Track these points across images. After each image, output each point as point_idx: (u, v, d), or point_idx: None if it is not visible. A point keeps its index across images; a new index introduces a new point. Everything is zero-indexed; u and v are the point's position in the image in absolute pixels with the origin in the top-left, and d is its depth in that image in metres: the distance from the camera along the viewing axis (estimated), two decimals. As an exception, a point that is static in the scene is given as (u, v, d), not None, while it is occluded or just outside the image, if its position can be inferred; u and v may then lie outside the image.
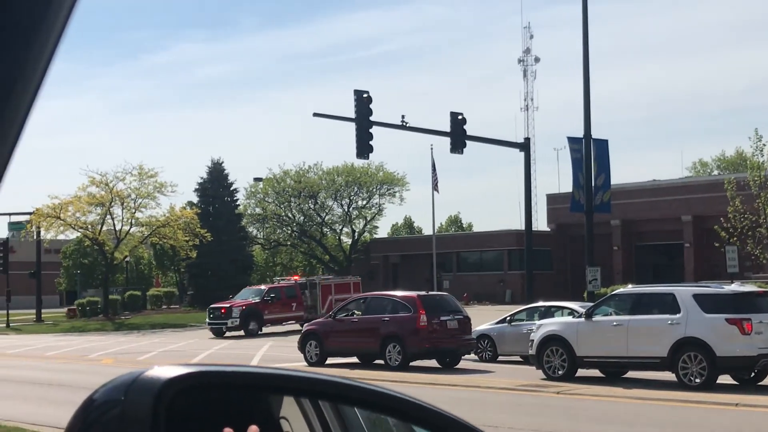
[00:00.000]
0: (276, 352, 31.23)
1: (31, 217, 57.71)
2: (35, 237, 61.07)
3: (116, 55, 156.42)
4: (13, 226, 67.32)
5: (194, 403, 1.86)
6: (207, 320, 44.24)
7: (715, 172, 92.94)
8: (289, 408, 2.27)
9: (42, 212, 55.98)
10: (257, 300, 43.82)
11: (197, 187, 77.37)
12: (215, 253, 68.84)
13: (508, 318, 28.09)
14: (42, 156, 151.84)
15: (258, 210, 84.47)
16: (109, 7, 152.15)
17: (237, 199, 79.77)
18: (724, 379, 20.03)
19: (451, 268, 75.99)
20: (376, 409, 2.36)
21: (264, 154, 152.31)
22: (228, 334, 42.41)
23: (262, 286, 48.20)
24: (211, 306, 44.71)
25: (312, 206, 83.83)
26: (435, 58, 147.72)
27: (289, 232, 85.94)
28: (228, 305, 43.26)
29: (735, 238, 40.46)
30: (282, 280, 51.71)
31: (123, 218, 58.92)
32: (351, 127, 37.37)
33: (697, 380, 19.41)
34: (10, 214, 66.37)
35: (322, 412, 2.34)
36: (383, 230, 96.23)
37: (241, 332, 42.20)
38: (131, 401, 1.74)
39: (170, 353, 31.87)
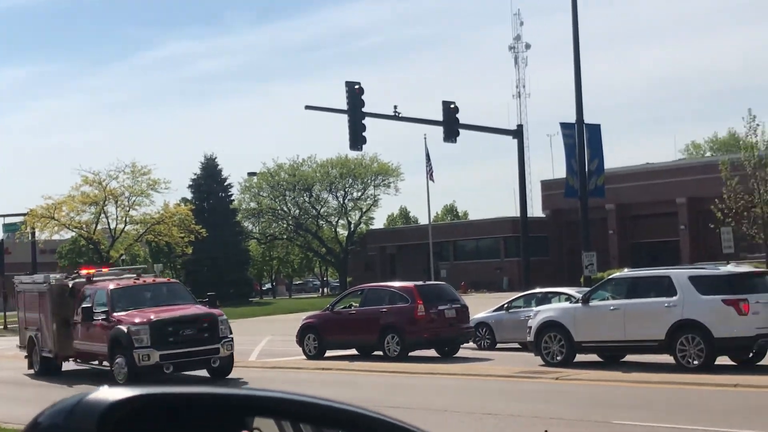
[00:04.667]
0: (273, 347, 31.25)
1: (25, 218, 57.61)
2: (30, 238, 60.95)
3: (108, 54, 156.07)
4: (8, 228, 67.12)
5: (150, 422, 1.78)
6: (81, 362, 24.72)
7: (708, 154, 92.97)
8: (262, 420, 2.19)
9: (36, 213, 55.87)
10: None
11: (191, 183, 77.43)
12: (211, 248, 68.75)
13: (506, 305, 28.12)
14: (35, 156, 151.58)
15: (253, 204, 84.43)
16: (101, 6, 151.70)
17: (231, 194, 79.82)
18: (722, 360, 20.07)
19: (448, 257, 76.03)
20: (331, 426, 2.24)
21: (257, 149, 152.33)
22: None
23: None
24: (92, 313, 22.83)
25: (307, 199, 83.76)
26: (426, 47, 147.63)
27: (284, 225, 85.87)
28: (139, 318, 21.87)
29: (730, 219, 40.49)
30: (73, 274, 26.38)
31: (117, 216, 58.79)
32: (344, 119, 37.31)
33: (696, 362, 19.44)
34: (4, 216, 66.23)
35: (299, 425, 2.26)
36: (379, 221, 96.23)
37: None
38: (72, 427, 1.65)
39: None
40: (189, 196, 76.05)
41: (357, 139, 37.00)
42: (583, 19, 35.46)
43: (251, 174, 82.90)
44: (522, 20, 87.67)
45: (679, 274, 20.57)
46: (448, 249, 76.28)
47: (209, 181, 76.80)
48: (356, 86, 36.75)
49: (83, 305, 22.66)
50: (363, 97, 36.77)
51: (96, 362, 23.76)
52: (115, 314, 22.18)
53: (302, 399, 2.07)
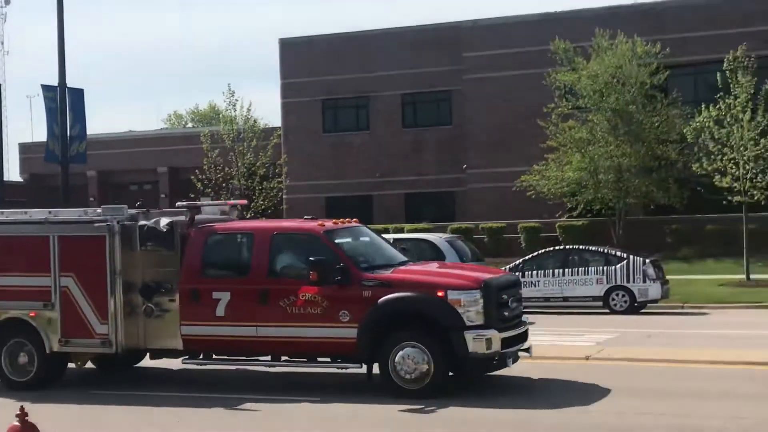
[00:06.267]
0: None
1: None
2: None
3: None
4: None
5: None
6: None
7: (190, 125, 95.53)
8: None
9: None
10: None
11: None
12: None
13: None
14: None
15: None
16: None
17: None
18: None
19: None
20: None
21: None
22: None
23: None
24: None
25: None
26: None
27: None
28: (453, 280, 13.15)
29: (210, 190, 42.06)
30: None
31: None
32: None
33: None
34: None
35: None
36: None
37: None
38: None
39: None
40: None
41: None
42: (69, -21, 34.46)
43: None
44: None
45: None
46: None
47: None
48: None
49: (315, 258, 12.79)
50: None
51: (252, 358, 13.72)
52: (369, 274, 12.91)
53: None
